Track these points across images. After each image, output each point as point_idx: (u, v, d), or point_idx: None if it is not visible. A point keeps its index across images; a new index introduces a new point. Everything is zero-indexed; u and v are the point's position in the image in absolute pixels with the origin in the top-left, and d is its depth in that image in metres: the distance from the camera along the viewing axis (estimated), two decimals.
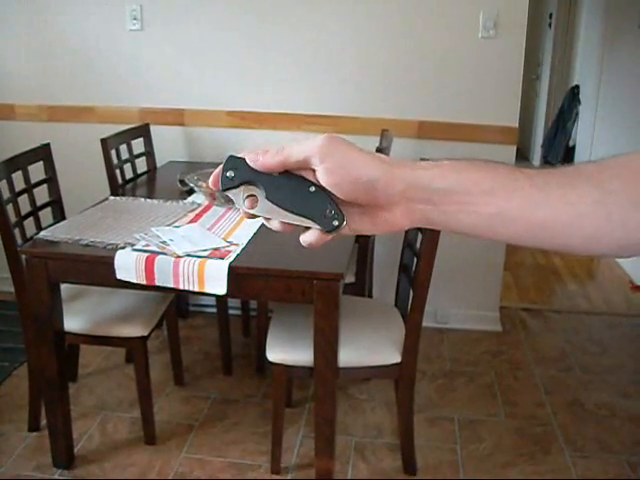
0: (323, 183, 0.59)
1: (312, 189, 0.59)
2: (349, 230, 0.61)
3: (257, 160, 0.60)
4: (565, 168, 0.61)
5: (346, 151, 0.59)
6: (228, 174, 0.60)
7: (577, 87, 6.08)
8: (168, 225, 2.21)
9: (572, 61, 6.62)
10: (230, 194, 0.61)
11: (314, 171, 0.60)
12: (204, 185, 2.44)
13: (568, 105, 6.15)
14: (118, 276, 1.96)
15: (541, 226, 0.59)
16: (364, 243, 2.69)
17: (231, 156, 0.61)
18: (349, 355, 2.13)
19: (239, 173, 0.60)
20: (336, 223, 0.59)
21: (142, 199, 2.53)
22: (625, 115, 4.63)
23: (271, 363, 2.17)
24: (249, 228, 2.18)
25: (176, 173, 2.77)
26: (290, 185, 0.60)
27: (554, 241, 0.60)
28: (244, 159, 0.60)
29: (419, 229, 2.29)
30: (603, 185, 0.60)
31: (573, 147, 6.08)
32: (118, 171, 2.85)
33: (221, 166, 0.61)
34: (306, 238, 0.61)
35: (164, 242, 2.03)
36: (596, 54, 5.36)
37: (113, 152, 2.82)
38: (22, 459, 2.34)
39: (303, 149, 0.59)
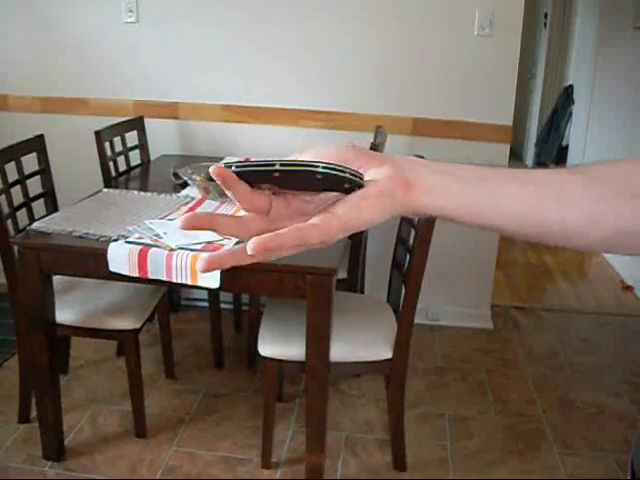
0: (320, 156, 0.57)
1: (319, 175, 0.52)
2: (356, 218, 0.55)
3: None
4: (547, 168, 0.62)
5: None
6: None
7: (571, 87, 6.09)
8: (161, 218, 2.20)
9: (566, 61, 6.64)
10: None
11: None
12: (198, 178, 2.44)
13: (562, 105, 6.17)
14: (111, 268, 1.96)
15: (531, 199, 0.59)
16: (357, 239, 2.69)
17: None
18: (341, 350, 2.13)
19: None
20: (360, 179, 0.53)
21: (135, 192, 2.52)
22: (618, 115, 4.65)
23: (263, 357, 2.17)
24: None
25: (170, 166, 2.77)
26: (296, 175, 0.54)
27: (546, 219, 0.59)
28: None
29: (412, 226, 2.30)
30: (589, 174, 0.60)
31: (566, 147, 6.10)
32: (112, 163, 2.85)
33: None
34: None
35: (157, 235, 2.03)
36: (590, 54, 5.37)
37: (107, 144, 2.81)
38: (12, 451, 2.34)
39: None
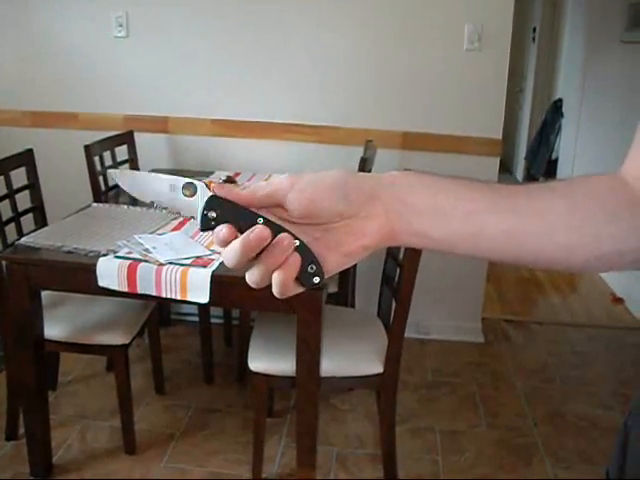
0: (297, 206, 0.57)
1: (297, 242, 0.57)
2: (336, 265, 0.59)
3: (226, 190, 0.58)
4: (530, 184, 0.62)
5: (311, 174, 0.59)
6: (210, 214, 0.58)
7: (560, 100, 6.13)
8: (151, 233, 2.19)
9: (555, 74, 6.68)
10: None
11: (285, 210, 0.58)
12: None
13: (551, 118, 6.20)
14: (100, 283, 1.94)
15: (513, 232, 0.59)
16: None
17: (213, 196, 0.59)
18: (331, 365, 2.12)
19: (221, 214, 0.58)
20: (317, 280, 0.58)
21: (125, 206, 2.51)
22: (607, 128, 4.68)
23: (253, 373, 2.16)
24: None
25: None
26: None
27: (527, 249, 0.60)
28: (226, 200, 0.58)
29: None
30: (572, 197, 0.60)
31: (556, 160, 6.12)
32: (101, 178, 2.84)
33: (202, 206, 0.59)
34: (281, 282, 0.58)
35: (147, 250, 2.02)
36: (579, 68, 5.41)
37: (97, 159, 2.81)
38: None
39: (270, 182, 0.58)
